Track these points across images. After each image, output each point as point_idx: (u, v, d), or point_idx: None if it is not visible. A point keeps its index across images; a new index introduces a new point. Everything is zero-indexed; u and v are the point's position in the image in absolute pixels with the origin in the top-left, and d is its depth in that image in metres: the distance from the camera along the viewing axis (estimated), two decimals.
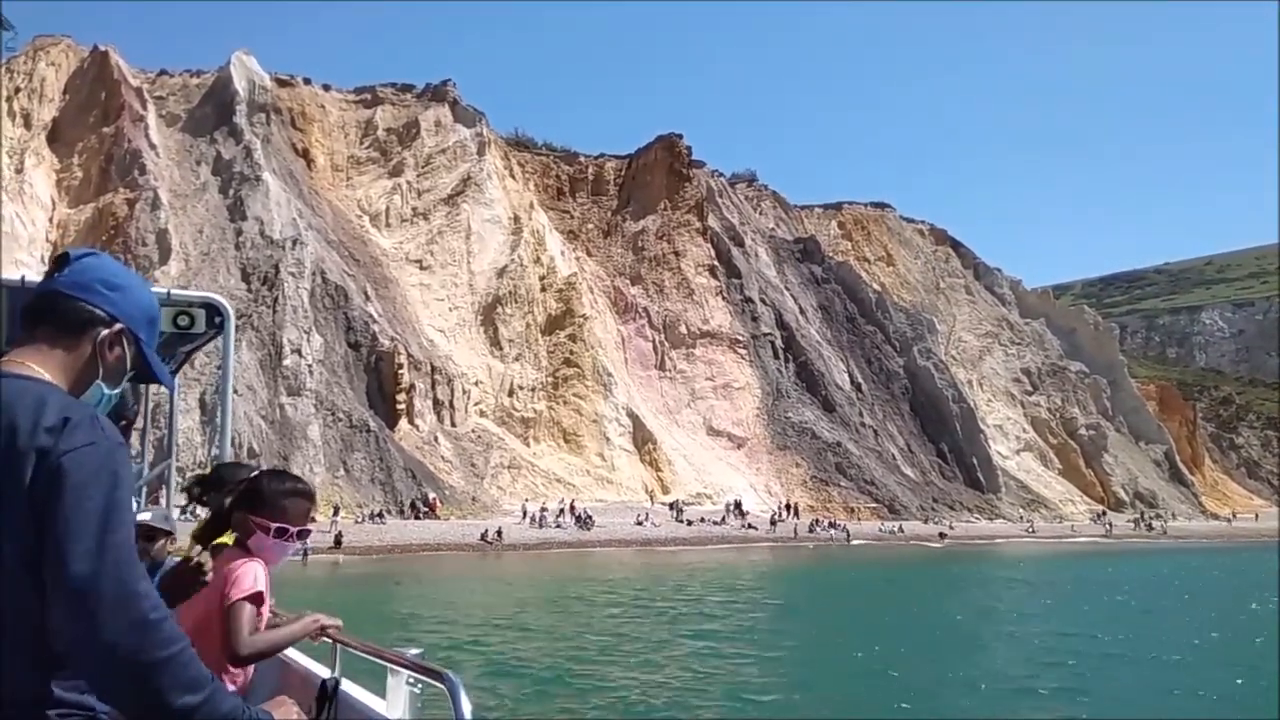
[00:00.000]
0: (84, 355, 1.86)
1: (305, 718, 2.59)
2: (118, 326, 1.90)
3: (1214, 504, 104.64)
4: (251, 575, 2.85)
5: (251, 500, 3.00)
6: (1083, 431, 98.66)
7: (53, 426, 1.64)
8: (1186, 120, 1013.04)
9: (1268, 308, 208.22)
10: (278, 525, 2.95)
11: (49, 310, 1.87)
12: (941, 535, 63.05)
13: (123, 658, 1.59)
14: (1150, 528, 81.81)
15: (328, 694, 2.97)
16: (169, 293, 4.71)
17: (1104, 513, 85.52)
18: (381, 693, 2.92)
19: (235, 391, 49.22)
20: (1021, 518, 77.81)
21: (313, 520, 3.17)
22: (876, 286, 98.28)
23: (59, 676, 1.72)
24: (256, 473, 3.16)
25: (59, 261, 1.93)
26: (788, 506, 65.27)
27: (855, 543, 57.72)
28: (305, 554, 32.95)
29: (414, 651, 2.71)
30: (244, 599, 2.79)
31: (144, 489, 5.97)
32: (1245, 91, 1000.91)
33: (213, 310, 4.73)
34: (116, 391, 1.97)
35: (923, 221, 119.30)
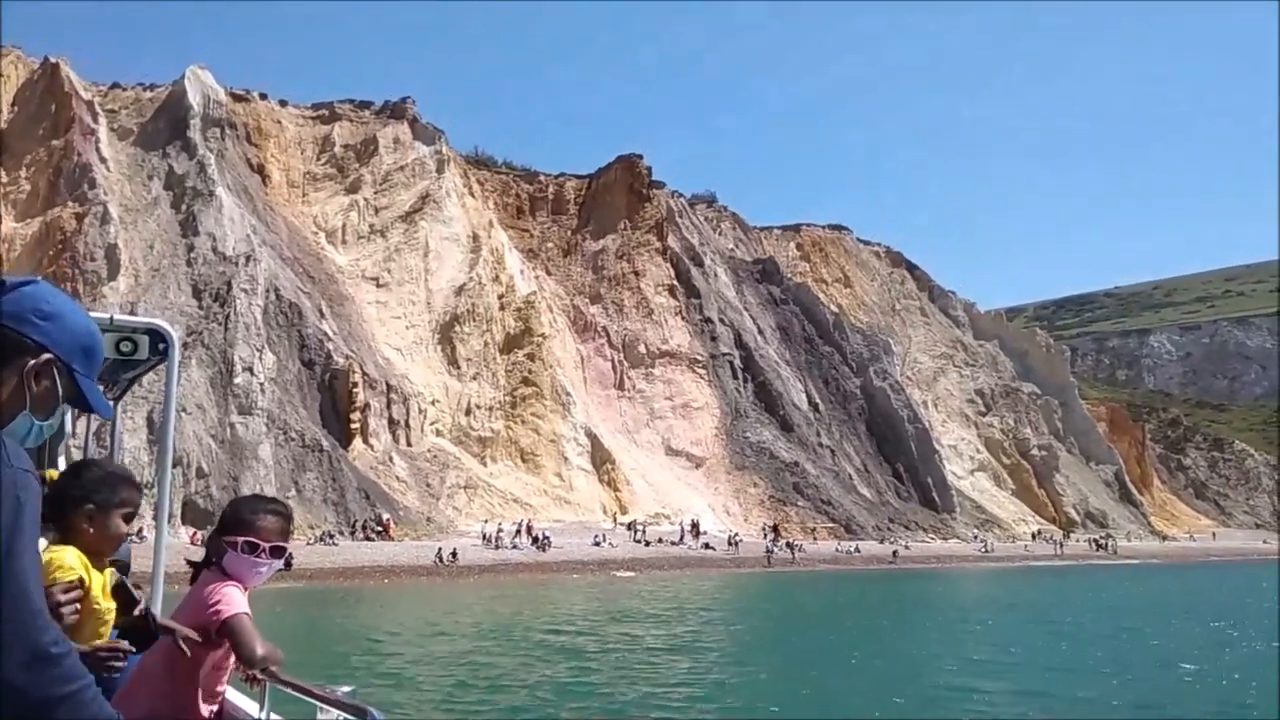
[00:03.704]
0: (10, 386, 1.79)
1: None
2: (45, 357, 1.83)
3: (1162, 524, 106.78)
4: (234, 595, 2.90)
5: (222, 523, 3.07)
6: (1035, 452, 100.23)
7: None
8: (1135, 146, 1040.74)
9: (1214, 331, 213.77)
10: (245, 540, 2.97)
11: None
12: (895, 554, 63.52)
13: (20, 692, 1.55)
14: (1103, 547, 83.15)
15: None
16: (111, 318, 4.59)
17: (1039, 531, 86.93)
18: None
19: (185, 410, 48.26)
20: (975, 537, 78.69)
21: (289, 538, 3.19)
22: (834, 308, 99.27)
23: None
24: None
25: None
26: (774, 528, 64.84)
27: (819, 568, 57.59)
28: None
29: (345, 689, 2.70)
30: (240, 613, 2.86)
31: None
32: (1193, 117, 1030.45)
33: (157, 337, 4.59)
34: (50, 423, 1.91)
35: (879, 244, 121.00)
